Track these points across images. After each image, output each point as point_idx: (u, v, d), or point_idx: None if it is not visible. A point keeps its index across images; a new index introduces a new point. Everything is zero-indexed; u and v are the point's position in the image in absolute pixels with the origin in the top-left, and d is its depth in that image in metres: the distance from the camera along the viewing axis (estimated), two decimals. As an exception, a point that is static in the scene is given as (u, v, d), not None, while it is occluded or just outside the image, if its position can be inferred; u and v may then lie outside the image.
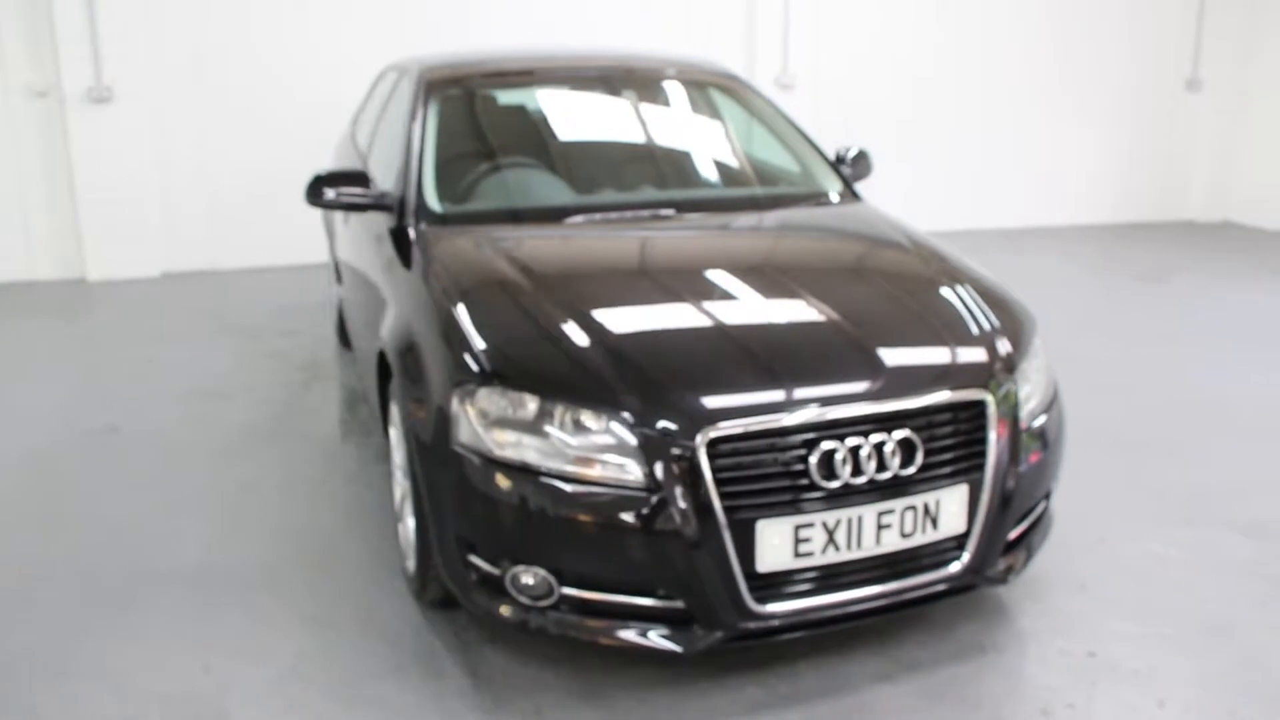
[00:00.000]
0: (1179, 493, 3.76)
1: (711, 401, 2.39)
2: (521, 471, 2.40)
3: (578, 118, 3.96)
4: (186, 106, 6.86)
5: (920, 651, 2.79)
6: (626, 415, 2.37)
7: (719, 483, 2.32)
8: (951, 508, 2.54)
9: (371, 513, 3.60)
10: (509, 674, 2.69)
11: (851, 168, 4.02)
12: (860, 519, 2.42)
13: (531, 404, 2.43)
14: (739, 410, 2.38)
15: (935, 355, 2.67)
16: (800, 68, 8.01)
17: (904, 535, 2.49)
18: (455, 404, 2.50)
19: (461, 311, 2.71)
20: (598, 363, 2.49)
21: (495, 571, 2.48)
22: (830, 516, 2.39)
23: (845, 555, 2.44)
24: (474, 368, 2.52)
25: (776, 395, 2.43)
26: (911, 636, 2.85)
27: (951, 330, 2.76)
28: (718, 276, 2.96)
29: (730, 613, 2.38)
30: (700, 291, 2.87)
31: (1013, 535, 2.73)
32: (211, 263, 7.14)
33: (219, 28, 6.82)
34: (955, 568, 2.59)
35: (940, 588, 2.59)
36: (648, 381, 2.43)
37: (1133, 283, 7.06)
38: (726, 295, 2.84)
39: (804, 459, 2.38)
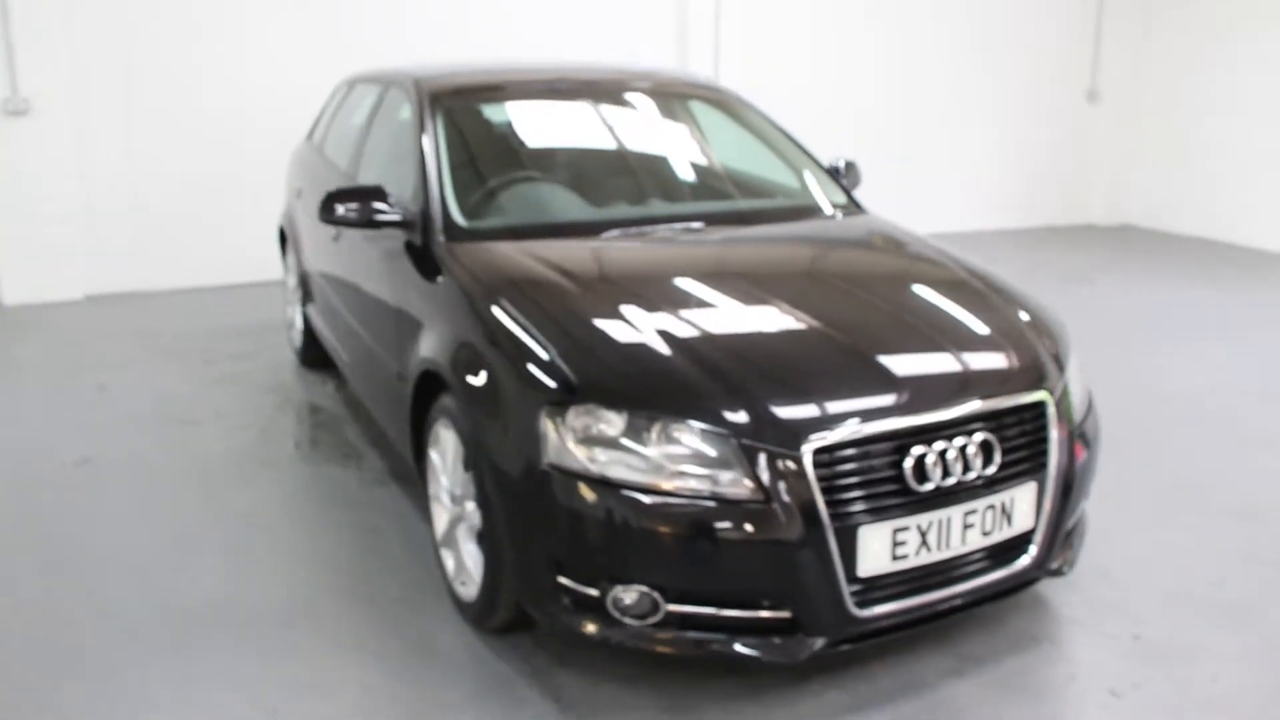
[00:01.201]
0: (1166, 484, 3.98)
1: (813, 410, 2.42)
2: (620, 489, 2.37)
3: (586, 130, 3.93)
4: (111, 120, 6.51)
5: (980, 646, 2.88)
6: (729, 427, 2.37)
7: (824, 491, 2.35)
8: (1023, 505, 2.63)
9: (391, 538, 3.49)
10: (590, 696, 2.65)
11: (845, 178, 4.12)
12: (949, 520, 2.49)
13: (627, 419, 2.41)
14: (838, 418, 2.41)
15: (1003, 360, 2.76)
16: (728, 83, 8.13)
17: (984, 534, 2.56)
18: (544, 423, 2.45)
19: (534, 328, 2.66)
20: (690, 375, 2.49)
21: (592, 593, 2.44)
22: (924, 519, 2.45)
23: (936, 556, 2.50)
24: (562, 385, 2.48)
25: (871, 402, 2.48)
26: (968, 633, 2.93)
27: (1011, 335, 2.86)
28: (780, 286, 3.00)
29: (834, 619, 2.40)
30: (769, 301, 2.89)
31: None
32: (139, 284, 6.78)
33: (146, 38, 6.50)
34: (1025, 562, 2.68)
35: (1013, 583, 2.68)
36: (747, 392, 2.44)
37: (1060, 284, 7.42)
38: (795, 304, 2.86)
39: (898, 464, 2.43)
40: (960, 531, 2.52)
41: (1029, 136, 9.49)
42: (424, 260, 3.21)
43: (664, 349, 2.57)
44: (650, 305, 2.77)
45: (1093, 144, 9.68)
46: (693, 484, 2.35)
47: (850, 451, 2.40)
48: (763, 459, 2.34)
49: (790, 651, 2.41)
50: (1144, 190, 9.60)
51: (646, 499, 2.35)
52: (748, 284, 3.01)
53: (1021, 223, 9.64)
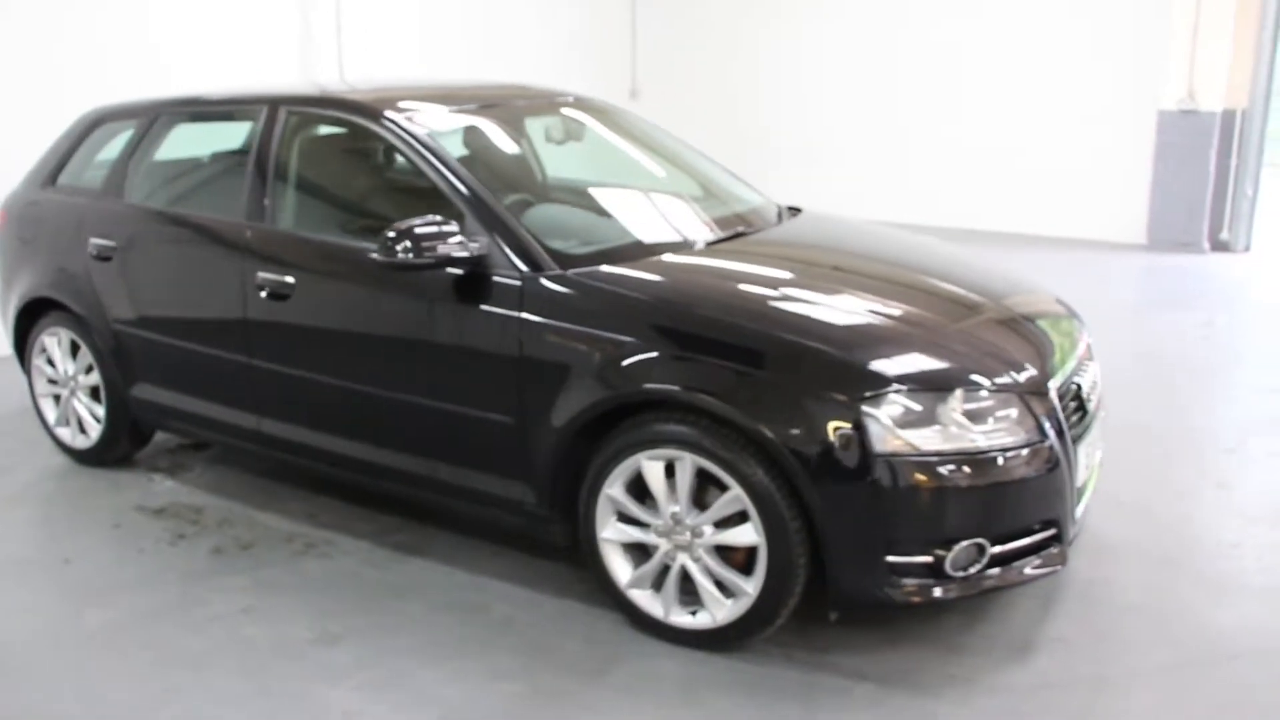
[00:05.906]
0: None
1: (1037, 359, 2.95)
2: (945, 459, 2.65)
3: (548, 149, 3.85)
4: None
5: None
6: (1007, 384, 2.80)
7: (1066, 421, 2.89)
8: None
9: (508, 610, 3.17)
10: (881, 665, 2.87)
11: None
12: (1095, 436, 3.17)
13: (933, 396, 2.70)
14: (1050, 363, 2.97)
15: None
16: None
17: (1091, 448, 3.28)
18: (865, 417, 2.62)
19: (798, 335, 2.80)
20: (953, 346, 2.86)
21: (927, 560, 2.69)
22: (1090, 437, 3.10)
23: (1090, 464, 3.15)
24: (868, 379, 2.68)
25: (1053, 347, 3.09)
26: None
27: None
28: (892, 273, 3.43)
29: (1071, 526, 2.95)
30: (910, 283, 3.32)
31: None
32: None
33: None
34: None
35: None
36: (996, 353, 2.90)
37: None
38: (924, 284, 3.32)
39: (1078, 394, 3.05)
40: (1095, 444, 3.21)
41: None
42: (524, 297, 3.00)
43: (910, 330, 2.91)
44: (852, 298, 3.07)
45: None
46: (997, 439, 2.73)
47: (1065, 388, 2.98)
48: (1031, 404, 2.80)
49: (1061, 559, 2.90)
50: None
51: (967, 462, 2.67)
52: (872, 275, 3.38)
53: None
